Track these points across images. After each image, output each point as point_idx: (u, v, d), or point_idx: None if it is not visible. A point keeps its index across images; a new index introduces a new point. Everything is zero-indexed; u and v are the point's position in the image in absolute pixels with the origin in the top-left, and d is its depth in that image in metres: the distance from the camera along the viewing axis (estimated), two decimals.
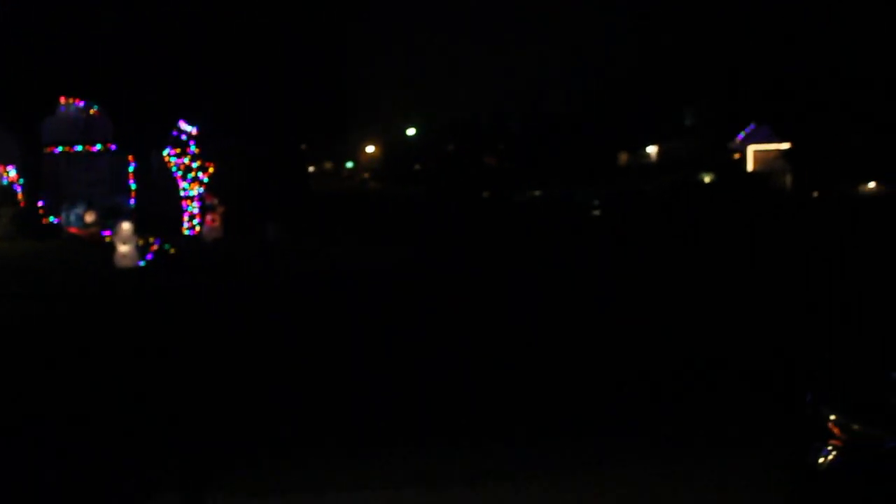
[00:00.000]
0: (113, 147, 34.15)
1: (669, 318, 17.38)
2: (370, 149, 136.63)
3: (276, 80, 40.89)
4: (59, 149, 34.54)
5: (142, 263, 27.25)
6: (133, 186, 33.59)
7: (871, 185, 46.37)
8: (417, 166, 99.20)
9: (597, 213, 42.54)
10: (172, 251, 29.87)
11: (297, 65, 43.54)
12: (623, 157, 70.99)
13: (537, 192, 56.55)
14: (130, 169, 33.78)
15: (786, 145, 50.58)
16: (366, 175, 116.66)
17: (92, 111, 34.55)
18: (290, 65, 42.72)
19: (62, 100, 34.70)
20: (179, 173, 34.52)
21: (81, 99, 33.44)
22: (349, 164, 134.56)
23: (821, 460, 5.21)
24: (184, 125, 34.45)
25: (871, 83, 44.31)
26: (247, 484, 8.48)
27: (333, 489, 8.36)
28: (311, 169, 79.85)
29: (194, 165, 34.78)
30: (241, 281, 24.51)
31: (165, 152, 34.38)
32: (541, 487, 8.33)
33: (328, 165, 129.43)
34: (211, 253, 31.25)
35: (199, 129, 34.82)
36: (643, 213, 39.33)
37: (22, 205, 35.82)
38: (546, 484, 8.41)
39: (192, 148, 34.77)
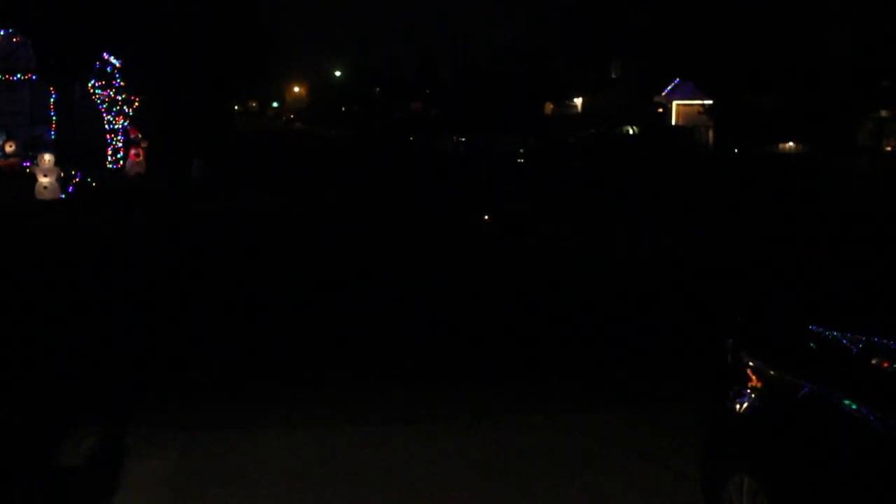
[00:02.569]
0: (34, 77, 33.45)
1: (590, 265, 17.75)
2: (296, 90, 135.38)
3: (197, 17, 40.31)
4: None
5: (63, 196, 26.94)
6: (54, 117, 32.97)
7: (790, 144, 47.21)
8: (343, 109, 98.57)
9: (521, 161, 42.83)
10: (94, 184, 29.58)
11: (218, 3, 43.09)
12: (549, 108, 71.23)
13: (462, 140, 56.62)
14: (52, 100, 33.15)
15: (709, 101, 51.12)
16: (291, 115, 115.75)
17: (14, 39, 33.77)
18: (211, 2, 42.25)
19: None
20: (104, 106, 34.00)
21: (3, 26, 32.67)
22: (275, 104, 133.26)
23: (738, 405, 5.41)
24: (108, 57, 33.89)
25: (791, 43, 44.93)
26: (172, 417, 8.60)
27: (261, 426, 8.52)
28: (236, 108, 79.01)
29: (119, 98, 34.28)
30: (161, 216, 24.43)
31: (90, 84, 33.82)
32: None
33: (253, 105, 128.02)
34: (133, 187, 30.98)
35: (122, 63, 34.27)
36: (564, 161, 39.65)
37: None
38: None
39: (118, 81, 34.24)
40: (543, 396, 9.44)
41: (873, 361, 4.50)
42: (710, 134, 50.69)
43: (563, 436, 8.23)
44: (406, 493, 6.95)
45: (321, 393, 9.47)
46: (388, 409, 8.98)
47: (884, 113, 45.41)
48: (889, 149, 43.83)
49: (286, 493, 6.91)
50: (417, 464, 7.54)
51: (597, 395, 9.49)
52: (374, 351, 11.16)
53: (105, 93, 33.89)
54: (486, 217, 21.59)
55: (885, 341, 4.51)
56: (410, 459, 7.63)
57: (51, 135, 32.58)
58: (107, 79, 33.92)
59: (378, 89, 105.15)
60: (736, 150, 45.73)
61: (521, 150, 46.53)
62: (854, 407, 4.44)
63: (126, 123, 34.51)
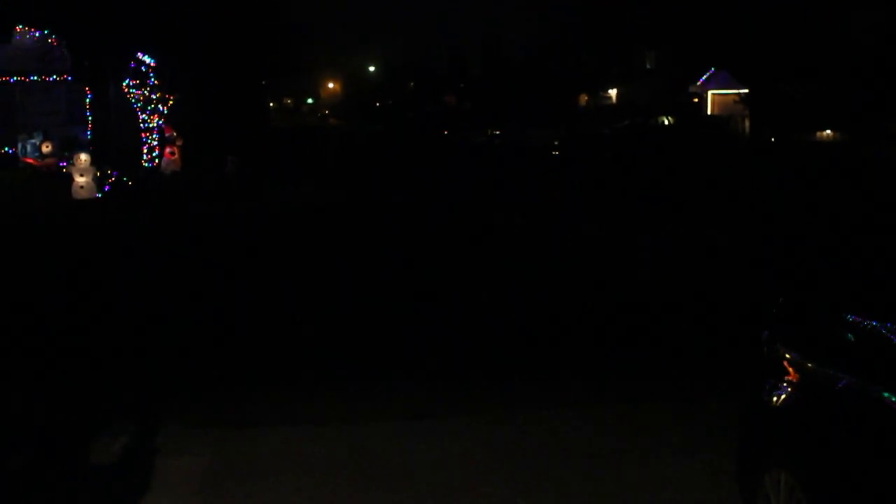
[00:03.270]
0: (69, 78, 33.62)
1: (623, 258, 17.62)
2: (331, 85, 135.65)
3: (229, 14, 40.42)
4: (14, 79, 34.00)
5: (99, 195, 27.07)
6: (90, 117, 33.13)
7: (828, 132, 46.70)
8: (378, 104, 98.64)
9: (555, 153, 42.61)
10: (130, 183, 29.72)
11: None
12: (583, 99, 70.87)
13: (496, 133, 56.44)
14: (88, 100, 33.30)
15: (744, 90, 50.66)
16: (326, 112, 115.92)
17: (49, 40, 33.99)
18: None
19: (18, 28, 34.10)
20: (138, 105, 34.16)
21: (38, 28, 32.85)
22: (309, 101, 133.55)
23: (774, 398, 5.30)
24: (142, 57, 34.05)
25: (825, 34, 44.49)
26: (203, 415, 8.60)
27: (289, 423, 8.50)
28: (271, 105, 79.28)
29: (154, 97, 34.45)
30: (197, 214, 24.50)
31: (124, 83, 33.99)
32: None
33: (288, 101, 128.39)
34: (169, 186, 31.13)
35: (157, 62, 34.43)
36: (600, 153, 39.41)
37: None
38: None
39: (152, 80, 34.41)
40: (575, 390, 9.35)
41: None
42: (746, 123, 50.24)
43: (596, 429, 8.14)
44: (437, 487, 6.89)
45: (348, 390, 9.43)
46: (415, 406, 8.92)
47: None
48: None
49: (315, 489, 6.86)
50: (448, 458, 7.47)
51: (630, 389, 9.38)
52: (401, 349, 11.09)
53: (139, 92, 34.06)
54: (521, 212, 21.46)
55: None
56: (440, 453, 7.57)
57: (87, 135, 32.75)
58: (141, 78, 34.09)
59: (412, 84, 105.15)
60: (773, 139, 45.29)
61: (556, 143, 46.29)
62: (894, 400, 4.30)
63: (161, 122, 34.69)
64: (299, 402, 9.04)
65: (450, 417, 8.51)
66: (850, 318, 4.95)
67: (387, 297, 13.99)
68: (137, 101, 34.07)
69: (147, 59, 34.15)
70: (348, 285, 14.98)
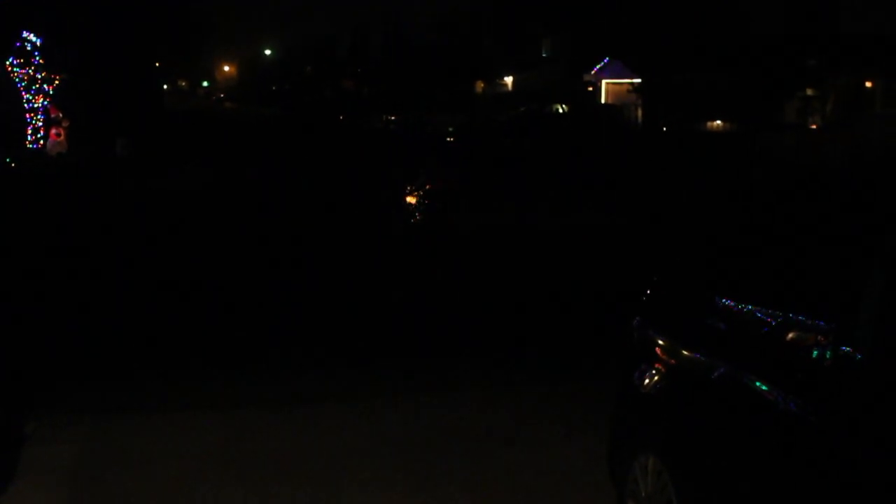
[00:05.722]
0: None
1: (511, 241, 17.71)
2: (227, 69, 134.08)
3: None
4: None
5: None
6: None
7: (717, 122, 47.56)
8: (273, 88, 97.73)
9: (450, 139, 42.72)
10: (14, 165, 28.94)
11: None
12: (480, 86, 71.09)
13: (392, 118, 56.38)
14: None
15: (637, 80, 51.34)
16: (221, 95, 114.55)
17: None
18: None
19: None
20: (22, 84, 33.23)
21: None
22: (205, 84, 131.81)
23: (645, 383, 5.25)
24: (27, 35, 33.11)
25: (718, 21, 45.32)
26: (79, 403, 8.37)
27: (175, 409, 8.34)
28: (165, 87, 77.91)
29: (39, 77, 33.54)
30: (84, 196, 23.95)
31: (8, 62, 33.02)
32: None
33: (183, 84, 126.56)
34: (55, 167, 30.38)
35: (43, 41, 33.52)
36: (494, 140, 39.61)
37: None
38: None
39: (37, 59, 33.49)
40: (464, 374, 9.35)
41: (789, 338, 4.31)
42: (640, 112, 50.94)
43: (483, 414, 8.13)
44: (316, 474, 6.78)
45: (230, 377, 9.29)
46: (303, 390, 8.83)
47: (810, 91, 45.95)
48: (814, 126, 44.34)
49: (189, 477, 6.70)
50: (330, 443, 7.38)
51: (516, 373, 9.41)
52: (291, 332, 10.99)
53: (24, 71, 33.12)
54: (412, 196, 21.42)
55: (799, 317, 4.30)
56: (323, 439, 7.47)
57: None
58: (25, 56, 33.14)
59: (309, 68, 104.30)
60: (664, 129, 45.98)
61: (451, 129, 46.40)
62: (764, 388, 4.30)
63: (46, 102, 33.78)
64: (182, 389, 8.88)
65: (334, 403, 8.42)
66: (724, 302, 4.92)
67: (278, 280, 13.86)
68: (21, 80, 33.14)
69: (32, 38, 33.22)
70: (236, 267, 14.80)
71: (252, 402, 8.44)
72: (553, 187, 24.13)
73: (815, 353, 3.97)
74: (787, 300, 4.41)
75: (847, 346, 3.81)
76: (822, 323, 4.01)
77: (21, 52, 33.07)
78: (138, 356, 9.94)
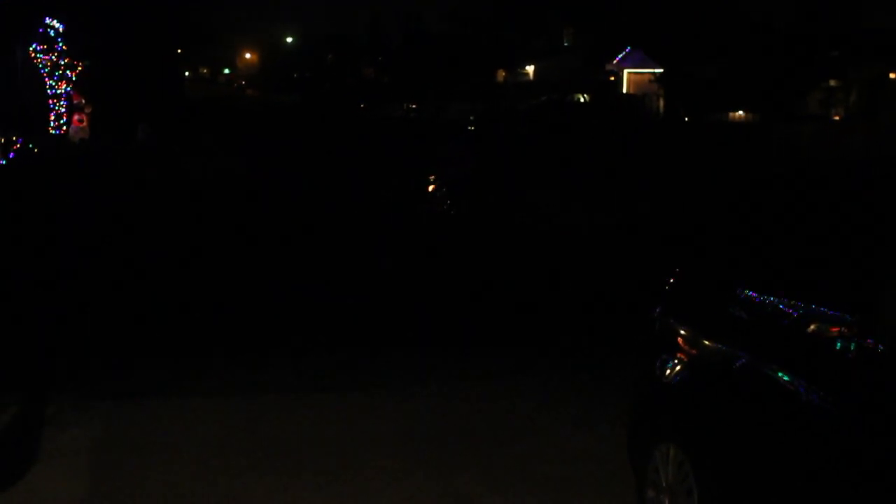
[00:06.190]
0: None
1: (529, 232, 17.69)
2: (248, 56, 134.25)
3: None
4: None
5: (3, 162, 26.42)
6: None
7: (740, 112, 47.36)
8: (295, 75, 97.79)
9: (470, 128, 42.64)
10: (37, 150, 29.05)
11: None
12: (501, 75, 70.92)
13: (413, 107, 56.35)
14: None
15: (659, 70, 51.13)
16: (242, 82, 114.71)
17: None
18: None
19: None
20: (46, 71, 33.35)
21: None
22: (226, 71, 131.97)
23: (667, 373, 5.26)
24: (50, 21, 33.22)
25: (738, 11, 45.11)
26: (99, 386, 8.40)
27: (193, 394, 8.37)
28: (186, 74, 78.10)
29: (62, 63, 33.65)
30: (105, 182, 24.02)
31: (31, 48, 33.14)
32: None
33: (205, 71, 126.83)
34: (77, 153, 30.49)
35: (66, 27, 33.63)
36: (514, 129, 39.52)
37: None
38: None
39: (60, 45, 33.60)
40: (472, 363, 9.35)
41: (811, 329, 4.29)
42: (661, 102, 50.74)
43: (491, 402, 8.14)
44: (333, 459, 6.80)
45: (251, 363, 9.31)
46: (324, 378, 8.85)
47: (832, 82, 45.66)
48: (837, 118, 44.08)
49: (210, 463, 6.72)
50: (350, 432, 7.40)
51: (531, 363, 9.41)
52: (313, 320, 11.02)
53: (47, 57, 33.24)
54: (432, 185, 21.40)
55: (822, 308, 4.28)
56: (342, 427, 7.49)
57: None
58: (49, 43, 33.26)
59: (331, 56, 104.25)
60: (686, 119, 45.79)
61: (471, 118, 46.32)
62: (787, 379, 4.29)
63: (69, 88, 33.89)
64: (200, 374, 8.90)
65: (354, 392, 8.44)
66: (746, 292, 4.91)
67: (295, 271, 13.87)
68: (45, 66, 33.26)
69: (55, 24, 33.32)
70: (255, 257, 14.83)
71: (273, 388, 8.46)
72: (571, 178, 24.07)
73: (839, 344, 3.96)
74: (809, 291, 4.41)
75: (870, 337, 3.80)
76: (844, 315, 4.00)
77: (44, 39, 33.18)
78: (160, 342, 9.97)
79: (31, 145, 28.96)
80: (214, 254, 14.98)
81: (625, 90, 58.85)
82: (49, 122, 33.38)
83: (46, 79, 33.39)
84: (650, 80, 52.54)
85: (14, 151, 27.68)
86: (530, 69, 72.27)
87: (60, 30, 33.52)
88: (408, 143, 32.97)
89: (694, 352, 5.17)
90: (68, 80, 33.90)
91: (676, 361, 5.22)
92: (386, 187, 22.72)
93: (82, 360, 9.23)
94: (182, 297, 11.96)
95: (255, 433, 7.32)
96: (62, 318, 10.68)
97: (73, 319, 10.68)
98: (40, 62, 33.24)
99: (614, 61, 59.54)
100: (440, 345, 10.13)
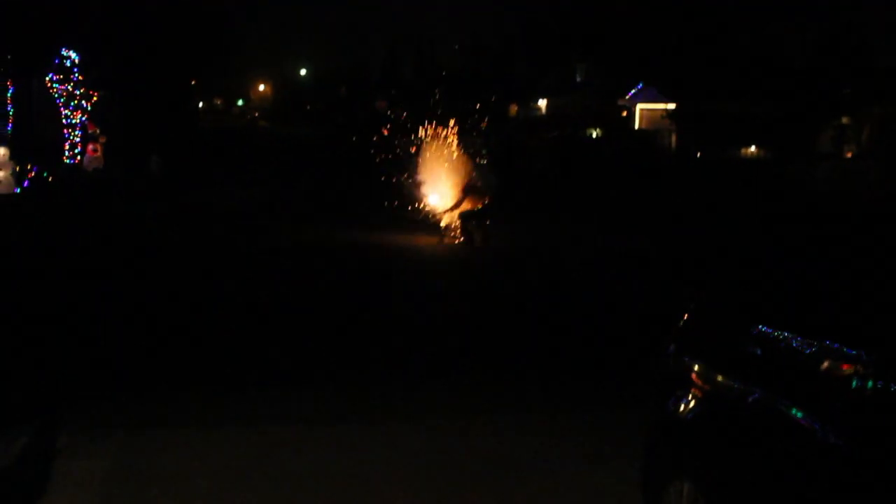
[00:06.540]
0: None
1: (539, 264, 17.67)
2: (262, 88, 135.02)
3: (158, 12, 39.97)
4: None
5: (18, 190, 26.58)
6: (11, 112, 32.46)
7: (752, 149, 47.42)
8: (308, 107, 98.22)
9: (483, 161, 42.68)
10: (51, 179, 29.19)
11: None
12: (513, 109, 71.14)
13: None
14: (10, 93, 32.63)
15: (671, 105, 51.27)
16: (256, 114, 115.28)
17: None
18: None
19: None
20: (61, 100, 33.57)
21: None
22: (240, 102, 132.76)
23: (681, 409, 5.25)
24: (67, 52, 33.47)
25: (752, 50, 45.26)
26: (109, 417, 8.38)
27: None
28: (200, 105, 78.56)
29: (77, 93, 33.88)
30: (117, 211, 24.12)
31: (48, 78, 33.37)
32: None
33: (219, 102, 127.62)
34: (91, 183, 30.63)
35: (81, 57, 33.87)
36: (526, 163, 39.65)
37: None
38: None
39: (76, 75, 33.84)
40: (484, 399, 9.29)
41: (825, 366, 4.28)
42: (673, 138, 50.84)
43: (509, 438, 8.09)
44: (342, 493, 6.78)
45: (262, 394, 9.28)
46: (331, 408, 8.82)
47: (845, 120, 45.74)
48: (849, 155, 44.10)
49: (221, 493, 6.71)
50: (355, 462, 7.37)
51: (543, 398, 9.36)
52: (322, 351, 10.98)
53: (63, 87, 33.47)
54: (443, 216, 21.44)
55: (835, 345, 4.27)
56: (347, 458, 7.47)
57: (8, 129, 32.08)
58: (65, 73, 33.50)
59: (343, 88, 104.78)
60: (698, 155, 45.88)
61: (483, 151, 46.38)
62: (801, 415, 4.28)
63: (84, 118, 34.11)
64: (209, 405, 8.86)
65: (359, 423, 8.40)
66: (762, 328, 4.89)
67: (307, 303, 13.85)
68: (61, 96, 33.49)
69: (72, 55, 33.57)
70: (266, 287, 14.82)
71: (280, 419, 8.44)
72: (582, 211, 24.12)
73: (855, 382, 3.94)
74: (824, 329, 4.39)
75: (887, 376, 3.79)
76: (860, 353, 3.99)
77: (61, 69, 33.43)
78: (168, 372, 9.95)
79: (45, 174, 29.11)
80: (226, 285, 14.97)
81: (637, 125, 58.95)
82: (64, 151, 33.56)
83: (62, 108, 33.61)
84: (662, 116, 52.63)
85: (29, 180, 27.82)
86: (542, 103, 72.45)
87: (77, 60, 33.76)
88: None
89: (708, 387, 5.15)
90: (83, 110, 34.12)
91: (691, 397, 5.20)
92: (402, 217, 22.73)
93: (94, 390, 9.21)
94: (194, 328, 11.94)
95: (267, 465, 7.30)
96: (74, 349, 10.68)
97: (86, 350, 10.68)
98: (56, 92, 33.46)
99: (627, 96, 59.69)
100: (447, 376, 10.07)
